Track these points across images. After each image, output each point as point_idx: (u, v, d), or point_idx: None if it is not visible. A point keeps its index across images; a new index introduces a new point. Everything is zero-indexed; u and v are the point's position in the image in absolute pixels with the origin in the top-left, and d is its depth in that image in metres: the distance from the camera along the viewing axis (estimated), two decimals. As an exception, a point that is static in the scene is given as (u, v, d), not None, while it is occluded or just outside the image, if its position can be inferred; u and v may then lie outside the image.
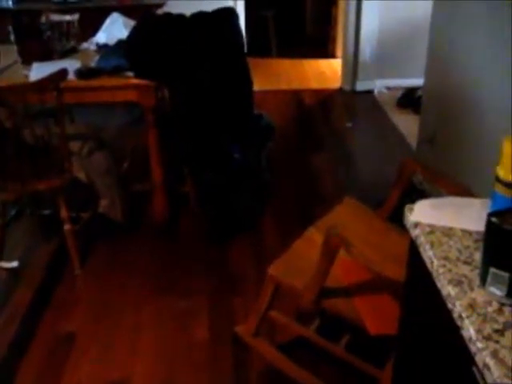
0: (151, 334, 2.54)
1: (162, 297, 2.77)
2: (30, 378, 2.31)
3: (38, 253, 3.12)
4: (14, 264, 3.00)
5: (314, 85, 6.06)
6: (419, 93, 4.62)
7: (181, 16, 2.98)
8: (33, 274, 2.95)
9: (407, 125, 4.64)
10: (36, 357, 2.42)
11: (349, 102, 5.58)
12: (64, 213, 2.82)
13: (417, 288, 1.34)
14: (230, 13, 3.06)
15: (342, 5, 6.33)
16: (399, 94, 5.25)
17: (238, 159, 3.17)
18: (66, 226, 2.84)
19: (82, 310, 2.71)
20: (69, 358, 2.41)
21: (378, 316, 1.88)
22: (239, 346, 2.38)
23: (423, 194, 3.28)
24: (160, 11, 4.32)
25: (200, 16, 3.00)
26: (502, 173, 1.11)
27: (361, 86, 5.67)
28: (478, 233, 1.22)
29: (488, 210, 1.16)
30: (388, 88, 5.61)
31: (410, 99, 5.05)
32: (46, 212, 3.36)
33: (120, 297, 2.78)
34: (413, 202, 1.38)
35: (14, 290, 2.83)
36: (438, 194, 2.09)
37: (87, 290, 2.87)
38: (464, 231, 1.25)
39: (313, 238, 2.16)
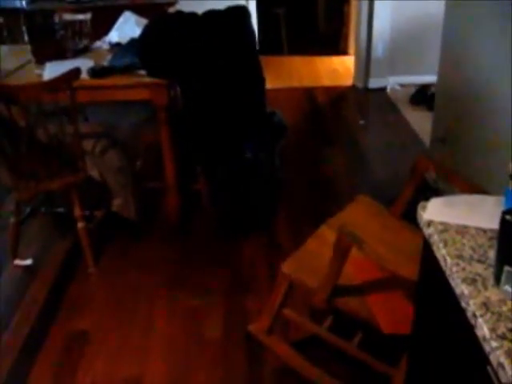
0: (164, 332, 2.55)
1: (175, 295, 2.78)
2: (44, 376, 2.33)
3: (52, 251, 3.14)
4: (29, 262, 3.02)
5: (327, 82, 6.04)
6: (432, 90, 4.60)
7: (193, 14, 2.98)
8: (47, 271, 2.97)
9: (420, 122, 4.61)
10: (50, 354, 2.43)
11: (361, 99, 5.57)
12: (78, 211, 2.84)
13: (430, 287, 1.33)
14: (242, 11, 3.05)
15: (354, 2, 6.31)
16: (412, 91, 5.23)
17: (251, 158, 3.17)
18: (80, 225, 2.86)
19: (96, 307, 2.72)
20: (83, 356, 2.42)
21: (391, 315, 1.87)
22: (252, 344, 2.38)
23: (437, 192, 3.27)
24: (172, 9, 4.33)
25: (212, 14, 3.00)
26: (516, 170, 1.10)
27: (373, 83, 5.65)
28: (491, 231, 1.21)
29: (502, 208, 1.15)
30: (401, 85, 5.59)
31: (423, 96, 5.03)
32: (60, 210, 3.39)
33: (133, 295, 2.79)
34: (426, 199, 1.37)
35: (29, 288, 2.85)
36: (452, 192, 2.08)
37: (101, 287, 2.88)
38: (478, 229, 1.24)
39: (325, 236, 2.16)
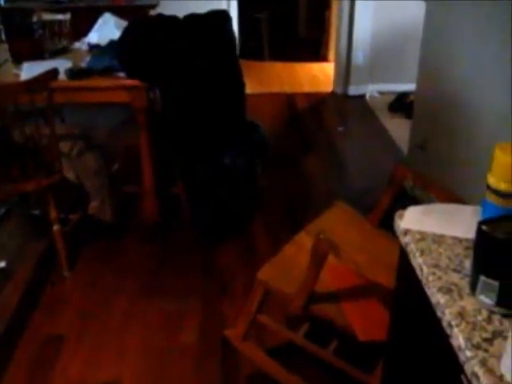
0: (140, 336, 2.53)
1: (151, 299, 2.76)
2: (18, 380, 2.29)
3: (26, 253, 3.09)
4: (2, 264, 2.98)
5: (307, 88, 6.06)
6: (411, 98, 4.64)
7: (173, 18, 2.97)
8: (21, 274, 2.93)
9: (398, 129, 4.64)
10: (24, 358, 2.39)
11: (341, 106, 5.59)
12: (53, 213, 2.80)
13: (406, 295, 1.33)
14: (223, 15, 3.05)
15: (335, 8, 6.34)
16: (391, 98, 5.27)
17: (229, 163, 3.16)
18: (55, 227, 2.82)
19: (71, 311, 2.69)
20: (57, 360, 2.39)
21: (366, 322, 1.88)
22: (228, 350, 2.37)
23: (414, 199, 3.29)
24: (153, 12, 4.32)
25: (193, 18, 2.99)
26: (492, 180, 1.11)
27: (353, 90, 5.68)
28: (468, 240, 1.22)
29: (479, 218, 1.15)
30: (380, 92, 5.63)
31: (401, 104, 5.07)
32: (35, 212, 3.34)
33: (109, 298, 2.76)
34: (404, 207, 1.38)
35: (1, 291, 2.81)
36: (429, 199, 2.10)
37: (76, 291, 2.84)
38: (454, 238, 1.24)
39: (302, 242, 2.16)
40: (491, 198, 1.11)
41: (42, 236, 3.15)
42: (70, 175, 2.92)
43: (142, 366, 2.36)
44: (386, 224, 2.22)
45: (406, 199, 3.11)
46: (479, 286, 1.03)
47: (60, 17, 3.40)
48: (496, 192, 1.10)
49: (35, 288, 2.83)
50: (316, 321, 2.15)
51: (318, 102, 5.64)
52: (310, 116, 5.31)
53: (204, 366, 2.36)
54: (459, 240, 1.24)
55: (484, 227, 1.01)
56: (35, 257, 3.07)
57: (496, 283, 1.00)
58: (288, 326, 2.41)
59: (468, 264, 1.15)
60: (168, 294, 2.80)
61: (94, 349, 2.46)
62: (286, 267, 2.09)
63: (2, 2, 4.54)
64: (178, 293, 2.80)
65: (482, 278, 1.02)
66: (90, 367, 2.36)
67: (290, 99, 5.66)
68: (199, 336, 2.52)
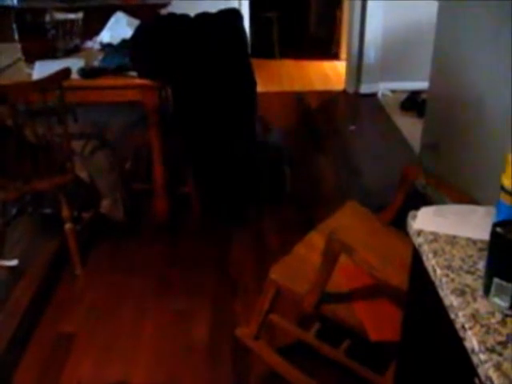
0: (151, 335, 2.53)
1: (163, 297, 2.76)
2: (28, 378, 2.30)
3: (38, 252, 3.11)
4: (14, 262, 2.99)
5: (318, 87, 6.05)
6: (423, 96, 4.62)
7: (185, 16, 2.97)
8: (33, 272, 2.94)
9: (410, 128, 4.62)
10: (35, 356, 2.40)
11: (352, 104, 5.58)
12: (65, 212, 2.81)
13: (419, 296, 1.32)
14: (234, 14, 3.05)
15: (346, 7, 6.33)
16: (403, 97, 5.24)
17: (241, 159, 3.17)
18: (67, 226, 2.83)
19: (82, 309, 2.70)
20: (68, 358, 2.40)
21: (378, 322, 1.87)
22: (239, 349, 2.37)
23: (425, 198, 3.28)
24: (164, 11, 4.32)
25: (204, 17, 2.99)
26: (506, 182, 1.10)
27: (364, 88, 5.66)
28: (481, 241, 1.21)
29: (492, 219, 1.15)
30: (392, 91, 5.60)
31: (413, 102, 5.05)
32: (48, 211, 3.36)
33: (120, 297, 2.77)
34: (414, 205, 1.37)
35: (14, 289, 2.82)
36: (441, 199, 2.08)
37: (87, 289, 2.85)
38: (467, 240, 1.23)
39: (314, 241, 2.15)
40: (506, 200, 1.10)
41: (54, 234, 3.16)
42: (82, 174, 2.93)
43: (152, 365, 2.36)
44: (398, 223, 2.21)
45: (418, 198, 3.10)
46: (493, 288, 1.02)
47: (72, 16, 3.41)
48: (510, 193, 1.09)
49: (47, 286, 2.85)
50: (327, 321, 2.14)
51: (329, 101, 5.63)
52: (321, 115, 5.30)
53: (215, 365, 2.36)
54: (473, 241, 1.23)
55: (498, 229, 1.01)
56: (47, 255, 3.08)
57: (510, 286, 0.99)
58: (299, 326, 2.41)
59: (481, 265, 1.14)
60: (179, 292, 2.80)
61: (105, 347, 2.46)
62: (298, 266, 2.08)
63: (15, 2, 4.56)
64: (189, 291, 2.80)
65: (496, 280, 1.01)
66: (101, 366, 2.37)
67: (301, 97, 5.65)
68: (210, 335, 2.52)
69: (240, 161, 3.14)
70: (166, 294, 2.78)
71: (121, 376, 2.31)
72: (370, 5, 5.32)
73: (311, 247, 2.13)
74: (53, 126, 2.65)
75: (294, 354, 2.33)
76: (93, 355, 2.42)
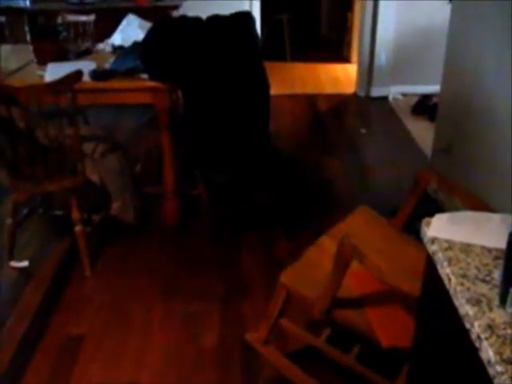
0: (160, 338, 2.53)
1: (173, 300, 2.75)
2: (38, 379, 2.30)
3: (48, 253, 3.11)
4: (25, 263, 3.00)
5: (329, 89, 6.04)
6: (434, 100, 4.60)
7: (197, 19, 2.97)
8: (43, 274, 2.95)
9: (422, 132, 4.60)
10: (45, 358, 2.40)
11: (363, 107, 5.56)
12: (75, 214, 2.82)
13: (433, 304, 1.31)
14: (246, 17, 3.04)
15: (357, 10, 6.31)
16: (414, 100, 5.22)
17: (252, 163, 3.16)
18: (77, 228, 2.84)
19: (92, 311, 2.70)
20: (78, 360, 2.39)
21: (390, 328, 1.85)
22: (249, 353, 2.36)
23: (436, 203, 3.26)
24: (175, 13, 4.33)
25: (216, 19, 2.98)
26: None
27: (375, 91, 5.65)
28: (497, 250, 1.19)
29: (508, 227, 1.13)
30: (403, 94, 5.58)
31: (425, 106, 5.02)
32: (58, 213, 3.36)
33: (130, 299, 2.77)
34: (426, 210, 1.35)
35: (24, 290, 2.83)
36: (453, 204, 2.07)
37: (97, 291, 2.85)
38: (483, 248, 1.22)
39: (325, 246, 2.14)
40: (523, 208, 1.09)
41: (64, 236, 3.17)
42: (93, 176, 2.93)
43: (161, 368, 2.36)
44: (410, 228, 2.20)
45: (429, 203, 3.08)
46: (510, 298, 1.00)
47: (84, 18, 3.43)
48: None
49: (57, 288, 2.85)
50: (338, 326, 2.13)
51: (340, 104, 5.61)
52: (331, 117, 5.28)
53: (224, 369, 2.35)
54: (488, 249, 1.21)
55: (515, 238, 0.99)
56: (57, 257, 3.09)
57: (527, 296, 0.98)
58: (310, 331, 2.40)
59: (497, 274, 1.12)
60: (188, 294, 2.79)
61: (114, 350, 2.46)
62: (309, 271, 2.07)
63: (28, 4, 4.58)
64: (198, 294, 2.80)
65: (513, 290, 0.99)
66: (110, 368, 2.36)
67: (311, 100, 5.64)
68: (219, 338, 2.51)
69: (252, 165, 3.13)
70: (175, 297, 2.78)
71: (130, 379, 2.31)
72: (381, 8, 5.30)
73: (322, 252, 2.11)
74: (64, 128, 2.66)
75: (304, 359, 2.32)
76: (102, 357, 2.42)
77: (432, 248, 1.25)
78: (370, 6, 5.39)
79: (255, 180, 3.20)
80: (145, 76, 2.93)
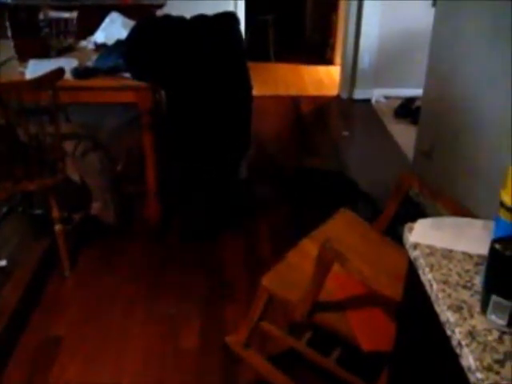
0: (140, 339, 2.50)
1: (152, 301, 2.73)
2: (15, 379, 2.27)
3: (27, 252, 3.07)
4: (3, 263, 2.96)
5: (312, 91, 6.04)
6: (417, 103, 4.62)
7: (181, 18, 2.95)
8: (21, 273, 2.91)
9: (404, 135, 4.62)
10: (22, 359, 2.37)
11: (346, 110, 5.57)
12: (55, 213, 2.78)
13: (414, 310, 1.31)
14: (231, 17, 3.04)
15: (342, 11, 6.33)
16: (397, 103, 5.24)
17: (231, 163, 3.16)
18: (57, 227, 2.80)
19: (71, 312, 2.67)
20: (56, 361, 2.37)
21: (371, 332, 1.85)
22: (229, 356, 2.35)
23: (417, 206, 3.27)
24: (160, 12, 4.30)
25: (200, 19, 2.97)
26: (506, 198, 1.09)
27: (358, 94, 5.66)
28: (479, 256, 1.20)
29: (490, 233, 1.13)
30: (386, 97, 5.60)
31: (407, 109, 5.05)
32: (38, 211, 3.32)
33: (109, 300, 2.74)
34: (408, 213, 1.36)
35: (2, 290, 2.79)
36: (433, 207, 2.07)
37: (76, 292, 2.82)
38: (464, 254, 1.22)
39: (307, 249, 2.14)
40: (505, 216, 1.09)
41: (44, 235, 3.13)
42: (73, 175, 2.90)
43: (141, 370, 2.34)
44: (391, 232, 2.21)
45: (410, 205, 3.09)
46: (491, 305, 1.01)
47: (66, 15, 3.38)
48: (510, 210, 1.08)
49: (35, 288, 2.81)
50: (319, 329, 2.13)
51: (323, 106, 5.62)
52: (314, 119, 5.29)
53: (204, 371, 2.34)
54: (469, 255, 1.22)
55: (497, 246, 0.99)
56: (36, 256, 3.05)
57: (508, 304, 0.98)
58: (291, 334, 2.39)
59: (478, 281, 1.12)
60: (169, 296, 2.78)
61: (94, 351, 2.43)
62: (290, 274, 2.07)
63: (9, -1, 4.52)
64: (179, 296, 2.78)
65: (494, 297, 1.00)
66: (89, 369, 2.34)
67: (295, 102, 5.64)
68: (199, 341, 2.50)
69: (232, 167, 3.13)
70: (155, 298, 2.76)
71: (108, 380, 2.29)
72: (365, 9, 5.32)
73: (304, 255, 2.11)
74: (45, 126, 2.63)
75: (285, 361, 2.31)
76: (80, 358, 2.39)
77: (414, 254, 1.25)
78: (354, 8, 5.41)
79: (236, 180, 3.19)
80: (127, 75, 2.90)
